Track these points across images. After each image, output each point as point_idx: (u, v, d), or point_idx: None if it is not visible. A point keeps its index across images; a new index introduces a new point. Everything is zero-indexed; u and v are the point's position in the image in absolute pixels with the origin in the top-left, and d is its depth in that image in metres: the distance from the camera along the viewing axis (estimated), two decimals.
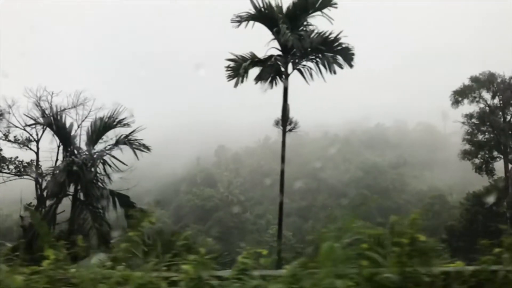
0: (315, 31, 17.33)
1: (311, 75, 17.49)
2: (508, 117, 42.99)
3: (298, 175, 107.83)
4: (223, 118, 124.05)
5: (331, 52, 17.09)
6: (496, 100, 43.10)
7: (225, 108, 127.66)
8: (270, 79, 17.32)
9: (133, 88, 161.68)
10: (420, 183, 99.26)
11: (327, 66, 17.09)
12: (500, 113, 42.89)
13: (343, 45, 17.09)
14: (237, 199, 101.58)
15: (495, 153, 43.63)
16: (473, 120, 43.39)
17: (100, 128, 17.24)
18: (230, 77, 17.09)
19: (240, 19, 17.67)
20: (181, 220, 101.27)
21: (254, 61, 17.34)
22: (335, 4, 17.21)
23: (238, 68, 16.75)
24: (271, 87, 17.65)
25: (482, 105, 43.55)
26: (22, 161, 26.71)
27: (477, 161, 43.89)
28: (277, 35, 16.89)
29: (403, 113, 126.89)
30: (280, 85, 17.21)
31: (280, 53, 17.40)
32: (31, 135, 26.33)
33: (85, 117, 30.06)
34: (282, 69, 17.29)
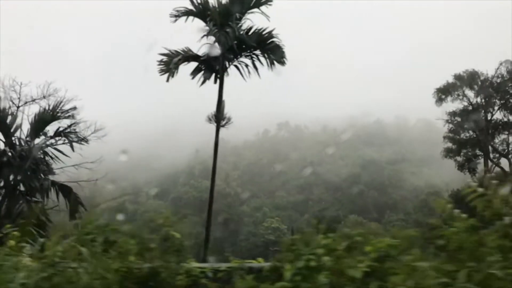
0: (253, 28, 17.48)
1: (253, 70, 17.62)
2: (490, 116, 42.83)
3: (295, 169, 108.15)
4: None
5: (263, 49, 17.25)
6: (479, 99, 42.95)
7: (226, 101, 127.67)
8: (205, 74, 17.52)
9: (132, 80, 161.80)
10: (418, 179, 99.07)
11: (267, 63, 17.26)
12: (483, 111, 42.71)
13: (275, 43, 17.22)
14: (234, 192, 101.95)
15: (478, 151, 43.58)
16: (456, 118, 43.27)
17: (44, 119, 17.50)
18: (162, 71, 17.30)
19: (178, 14, 17.85)
20: (179, 211, 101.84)
21: (187, 56, 17.50)
22: (270, 1, 17.36)
23: (170, 63, 16.97)
24: (215, 82, 17.82)
25: (466, 103, 43.46)
26: None
27: (459, 159, 43.79)
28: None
29: (404, 110, 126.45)
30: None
31: (216, 49, 17.56)
32: None
33: (56, 107, 30.46)
34: (226, 65, 17.45)
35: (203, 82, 17.56)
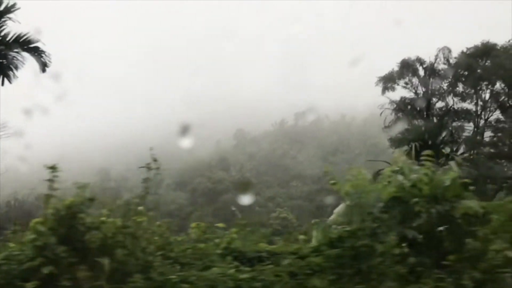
0: (11, 34, 18.21)
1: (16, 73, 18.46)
2: (435, 103, 41.44)
3: (312, 159, 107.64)
4: (245, 102, 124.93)
5: (23, 51, 17.95)
6: (424, 86, 41.59)
7: (249, 91, 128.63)
8: None
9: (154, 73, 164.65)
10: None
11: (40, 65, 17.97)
12: (427, 99, 41.33)
13: (33, 46, 17.89)
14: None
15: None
16: (400, 106, 42.14)
17: None
18: None
19: None
20: (196, 202, 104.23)
21: None
22: (18, 8, 18.10)
23: None
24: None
25: (412, 92, 42.24)
26: None
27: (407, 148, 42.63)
28: None
29: None
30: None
31: None
32: None
33: None
34: None
35: None
